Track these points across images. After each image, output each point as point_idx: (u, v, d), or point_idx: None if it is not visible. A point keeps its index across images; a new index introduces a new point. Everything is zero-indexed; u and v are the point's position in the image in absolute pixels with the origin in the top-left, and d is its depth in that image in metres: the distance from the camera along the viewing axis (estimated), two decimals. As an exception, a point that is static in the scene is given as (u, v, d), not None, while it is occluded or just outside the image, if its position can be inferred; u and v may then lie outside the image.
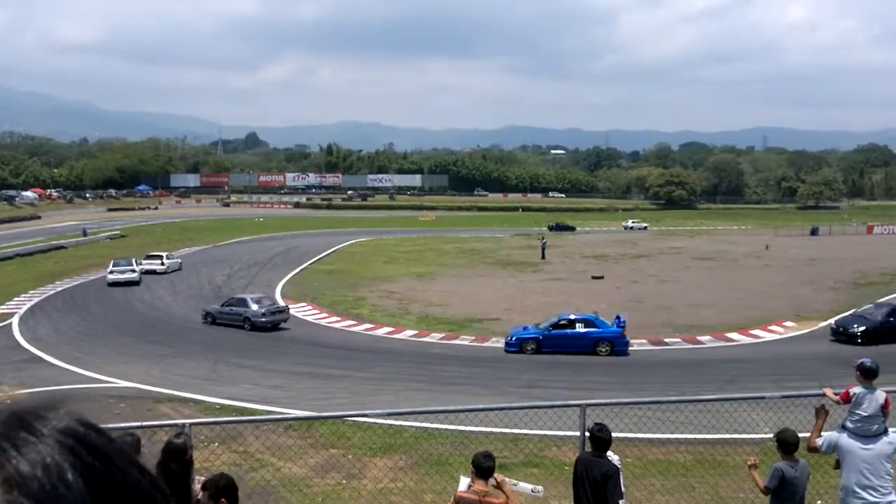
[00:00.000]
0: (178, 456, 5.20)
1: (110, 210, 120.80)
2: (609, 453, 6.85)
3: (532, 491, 6.73)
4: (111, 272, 46.89)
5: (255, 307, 33.79)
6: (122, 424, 7.71)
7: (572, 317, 29.61)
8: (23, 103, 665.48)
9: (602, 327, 28.90)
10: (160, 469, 5.06)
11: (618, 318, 29.18)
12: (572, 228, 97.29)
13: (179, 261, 55.70)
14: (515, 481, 6.71)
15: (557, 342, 28.50)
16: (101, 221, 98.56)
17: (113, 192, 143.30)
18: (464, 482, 6.31)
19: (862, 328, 29.13)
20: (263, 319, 33.29)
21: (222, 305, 35.29)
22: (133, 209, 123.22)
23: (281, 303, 37.96)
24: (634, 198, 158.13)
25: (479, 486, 6.17)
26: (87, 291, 44.65)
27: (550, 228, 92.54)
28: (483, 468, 6.19)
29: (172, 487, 5.13)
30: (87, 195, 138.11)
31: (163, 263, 52.17)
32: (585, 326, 28.84)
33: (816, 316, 35.51)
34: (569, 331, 28.81)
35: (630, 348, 29.04)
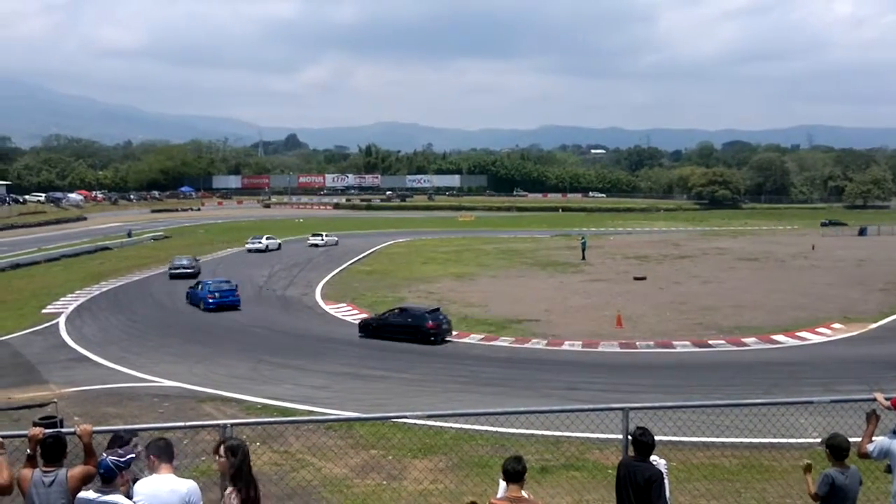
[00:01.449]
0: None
1: (154, 211, 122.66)
2: (654, 458, 6.72)
3: None
4: (249, 242, 68.36)
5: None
6: (166, 424, 7.77)
7: None
8: (69, 106, 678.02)
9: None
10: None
11: None
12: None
13: (336, 239, 74.62)
14: None
15: None
16: (144, 223, 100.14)
17: (156, 193, 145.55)
18: (502, 487, 6.25)
19: None
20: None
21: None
22: (176, 210, 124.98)
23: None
24: (677, 197, 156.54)
25: (513, 491, 6.10)
26: (131, 292, 45.36)
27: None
28: (511, 473, 6.12)
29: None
30: (132, 197, 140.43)
31: (322, 239, 72.43)
32: None
33: (865, 318, 34.75)
34: None
35: (674, 350, 28.83)
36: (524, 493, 6.13)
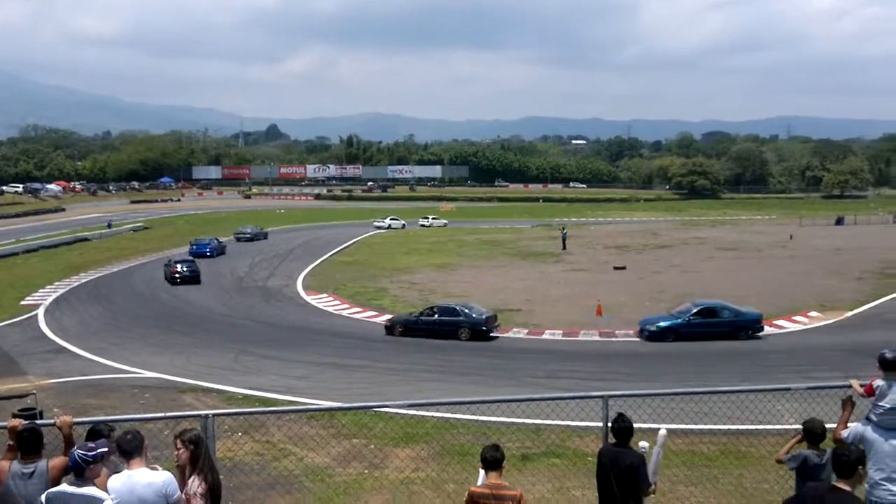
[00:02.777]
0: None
1: (133, 202, 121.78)
2: (643, 444, 6.83)
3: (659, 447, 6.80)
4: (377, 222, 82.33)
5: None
6: (146, 416, 7.76)
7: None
8: (46, 96, 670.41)
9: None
10: None
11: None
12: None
13: (445, 222, 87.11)
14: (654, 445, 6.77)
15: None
16: (124, 213, 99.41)
17: (136, 184, 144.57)
18: (482, 476, 6.29)
19: None
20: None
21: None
22: (156, 201, 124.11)
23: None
24: (657, 188, 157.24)
25: (492, 479, 6.14)
26: (111, 283, 45.10)
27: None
28: (490, 461, 6.14)
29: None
30: (111, 188, 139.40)
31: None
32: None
33: (842, 306, 35.13)
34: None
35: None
36: (503, 481, 6.18)
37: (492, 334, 30.10)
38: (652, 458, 6.86)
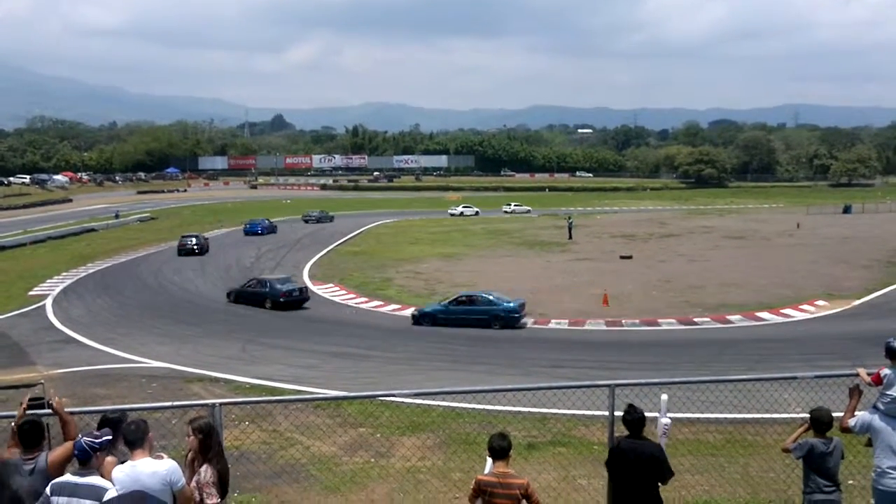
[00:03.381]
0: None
1: (140, 193, 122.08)
2: (663, 420, 6.83)
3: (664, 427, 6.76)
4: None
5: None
6: (154, 405, 7.80)
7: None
8: (52, 88, 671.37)
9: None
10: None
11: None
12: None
13: (529, 209, 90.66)
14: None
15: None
16: (131, 204, 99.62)
17: (142, 175, 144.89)
18: (489, 464, 6.30)
19: None
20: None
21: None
22: (162, 192, 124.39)
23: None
24: (663, 177, 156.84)
25: (499, 467, 6.15)
26: (118, 273, 45.23)
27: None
28: (497, 450, 6.15)
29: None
30: (117, 178, 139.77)
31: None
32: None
33: (849, 295, 35.03)
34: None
35: (659, 328, 29.23)
36: (510, 470, 6.19)
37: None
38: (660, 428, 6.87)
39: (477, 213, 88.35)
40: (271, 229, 66.67)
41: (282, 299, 34.26)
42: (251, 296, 35.27)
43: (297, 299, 34.98)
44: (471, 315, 30.08)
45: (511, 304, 30.19)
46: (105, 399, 18.52)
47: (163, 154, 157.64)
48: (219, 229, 69.68)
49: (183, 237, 54.38)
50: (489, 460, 6.27)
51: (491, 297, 30.78)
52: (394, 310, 34.10)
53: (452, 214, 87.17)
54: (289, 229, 69.03)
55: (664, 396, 6.94)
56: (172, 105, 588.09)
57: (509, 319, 29.62)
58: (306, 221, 76.01)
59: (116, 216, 79.70)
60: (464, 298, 31.07)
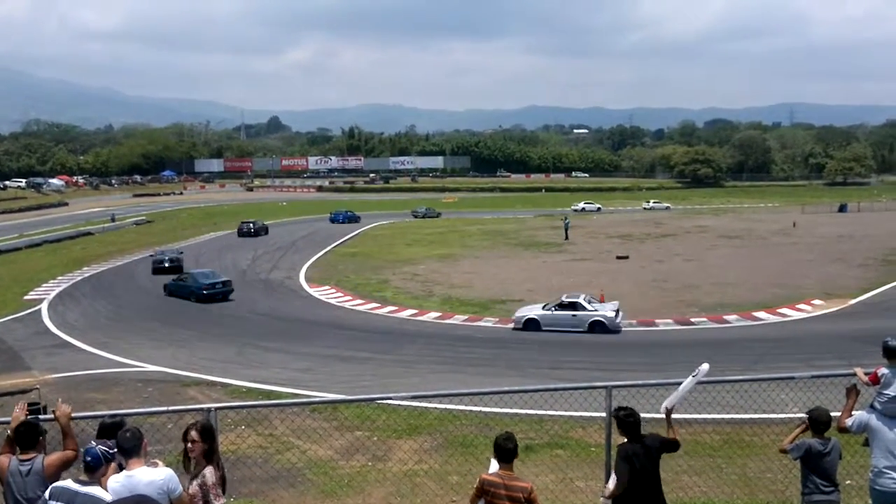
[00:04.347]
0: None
1: (136, 196, 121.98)
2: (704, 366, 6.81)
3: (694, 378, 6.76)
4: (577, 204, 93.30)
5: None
6: (150, 409, 7.76)
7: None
8: (47, 91, 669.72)
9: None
10: None
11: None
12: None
13: (668, 205, 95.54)
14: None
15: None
16: (127, 207, 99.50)
17: (138, 177, 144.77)
18: (493, 465, 6.27)
19: None
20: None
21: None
22: (158, 195, 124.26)
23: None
24: (659, 176, 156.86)
25: (505, 469, 6.12)
26: (114, 277, 45.14)
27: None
28: (504, 451, 6.12)
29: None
30: (113, 181, 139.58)
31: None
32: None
33: (846, 294, 35.06)
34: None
35: (656, 328, 29.38)
36: (514, 472, 6.16)
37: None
38: (683, 386, 6.81)
39: (599, 208, 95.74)
40: (354, 219, 78.10)
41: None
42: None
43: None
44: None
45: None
46: (101, 404, 18.50)
47: (159, 157, 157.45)
48: (212, 232, 69.56)
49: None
50: (493, 461, 6.24)
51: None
52: (390, 312, 34.04)
53: (575, 210, 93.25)
54: (313, 227, 69.02)
55: (705, 366, 6.91)
56: (168, 107, 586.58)
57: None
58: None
59: (112, 219, 79.59)
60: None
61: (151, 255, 49.11)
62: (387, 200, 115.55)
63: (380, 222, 79.32)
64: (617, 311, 29.22)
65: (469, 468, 10.60)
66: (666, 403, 6.84)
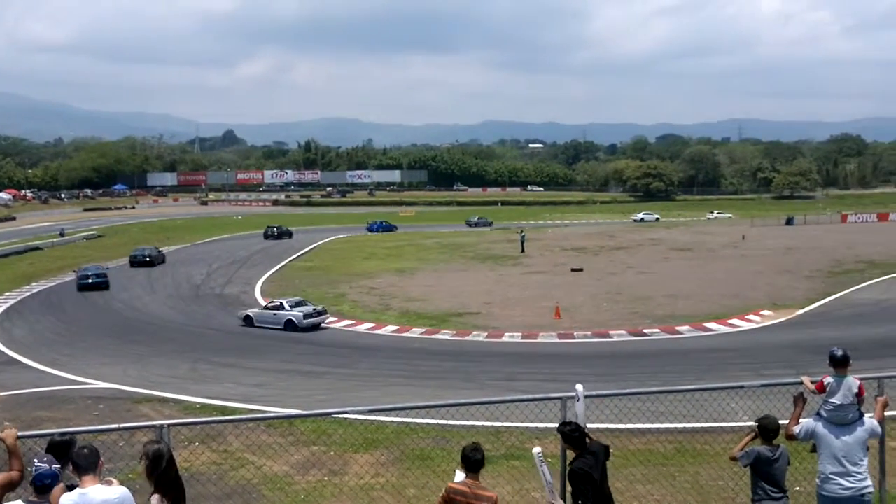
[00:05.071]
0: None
1: (86, 210, 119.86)
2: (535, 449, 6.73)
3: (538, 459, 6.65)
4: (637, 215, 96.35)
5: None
6: (100, 427, 7.64)
7: None
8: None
9: None
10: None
11: None
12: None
13: (731, 215, 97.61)
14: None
15: None
16: (77, 222, 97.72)
17: (89, 191, 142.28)
18: (459, 475, 6.30)
19: None
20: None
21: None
22: (110, 209, 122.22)
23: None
24: (612, 190, 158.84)
25: (471, 479, 6.15)
26: (63, 293, 44.24)
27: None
28: (471, 461, 6.16)
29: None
30: (63, 195, 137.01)
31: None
32: None
33: (793, 304, 35.80)
34: None
35: (610, 339, 29.53)
36: (481, 482, 6.22)
37: None
38: (543, 476, 6.73)
39: (657, 218, 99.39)
40: (389, 228, 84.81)
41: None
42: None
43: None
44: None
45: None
46: (49, 422, 18.09)
47: (110, 170, 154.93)
48: (165, 247, 68.64)
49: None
50: (458, 472, 6.27)
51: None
52: (348, 325, 33.92)
53: (634, 220, 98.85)
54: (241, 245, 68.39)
55: (536, 450, 6.82)
56: (121, 121, 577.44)
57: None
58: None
59: (62, 234, 78.02)
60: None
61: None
62: (344, 214, 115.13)
63: (337, 236, 78.99)
64: (314, 313, 33.19)
65: (426, 481, 10.62)
66: (553, 502, 6.72)
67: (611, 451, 6.82)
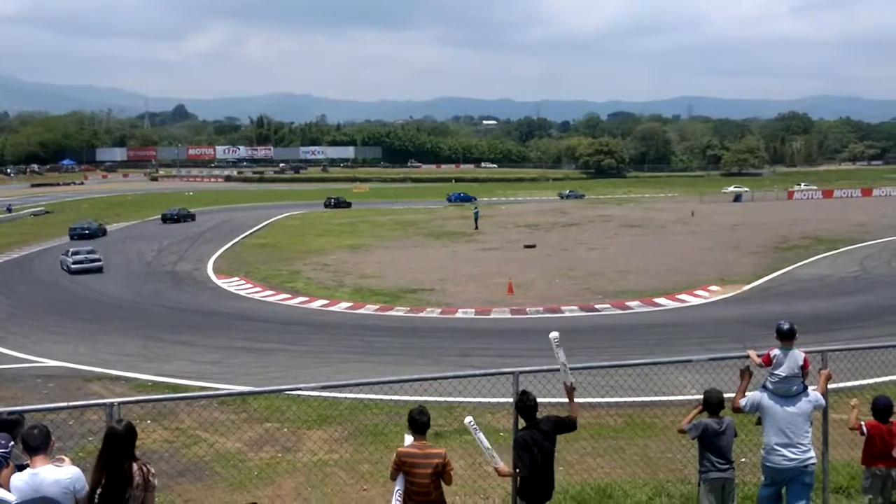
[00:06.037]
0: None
1: (34, 186, 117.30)
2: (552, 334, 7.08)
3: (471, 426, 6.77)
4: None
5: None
6: (49, 406, 7.55)
7: None
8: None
9: None
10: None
11: None
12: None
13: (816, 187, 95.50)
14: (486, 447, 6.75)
15: None
16: (24, 197, 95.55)
17: (36, 167, 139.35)
18: (408, 439, 6.50)
19: None
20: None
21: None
22: (58, 185, 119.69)
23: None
24: (565, 167, 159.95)
25: (419, 440, 6.43)
26: (10, 270, 43.34)
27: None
28: (418, 423, 6.43)
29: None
30: (9, 171, 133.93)
31: None
32: None
33: (740, 280, 36.49)
34: None
35: (562, 315, 29.94)
36: (428, 442, 6.48)
37: None
38: (561, 359, 7.11)
39: (744, 194, 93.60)
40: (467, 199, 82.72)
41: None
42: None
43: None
44: None
45: None
46: (-3, 401, 17.77)
47: (58, 146, 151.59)
48: (116, 223, 67.47)
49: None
50: (408, 436, 6.51)
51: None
52: (301, 302, 33.76)
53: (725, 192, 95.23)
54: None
55: (554, 334, 7.18)
56: (69, 95, 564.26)
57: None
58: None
59: (8, 210, 76.36)
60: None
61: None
62: (297, 191, 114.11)
63: (290, 212, 78.37)
64: (86, 260, 40.82)
65: (380, 457, 10.69)
66: (566, 381, 7.09)
67: (572, 422, 6.98)
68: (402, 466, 6.37)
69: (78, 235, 55.77)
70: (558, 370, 7.22)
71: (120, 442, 5.45)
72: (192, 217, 71.00)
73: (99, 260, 42.68)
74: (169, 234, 58.57)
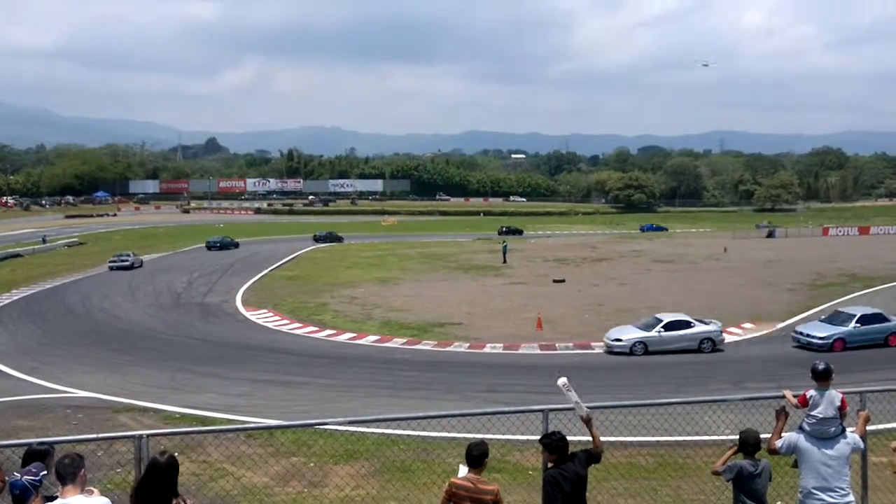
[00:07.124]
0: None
1: (68, 217, 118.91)
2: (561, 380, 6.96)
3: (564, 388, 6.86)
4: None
5: None
6: (78, 437, 7.54)
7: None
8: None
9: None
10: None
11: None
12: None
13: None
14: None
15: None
16: (58, 229, 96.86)
17: (70, 198, 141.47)
18: (462, 470, 6.49)
19: None
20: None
21: None
22: (91, 216, 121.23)
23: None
24: (594, 201, 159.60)
25: (474, 474, 6.34)
26: (44, 300, 43.82)
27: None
28: (475, 456, 6.34)
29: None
30: (44, 202, 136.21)
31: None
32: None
33: (774, 317, 35.98)
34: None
35: (592, 351, 29.56)
36: (483, 478, 6.38)
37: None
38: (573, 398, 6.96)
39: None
40: (230, 245, 73.63)
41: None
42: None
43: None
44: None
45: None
46: (27, 431, 17.90)
47: (92, 178, 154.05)
48: (148, 254, 68.19)
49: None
50: (462, 467, 6.48)
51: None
52: (329, 335, 33.75)
53: None
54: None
55: (562, 380, 7.11)
56: (104, 128, 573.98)
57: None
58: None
59: (43, 241, 77.36)
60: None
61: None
62: (326, 223, 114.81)
63: (319, 245, 78.76)
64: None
65: (407, 493, 10.57)
66: (582, 414, 6.97)
67: (598, 453, 6.85)
68: (453, 498, 6.30)
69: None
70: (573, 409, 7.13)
71: (162, 476, 5.39)
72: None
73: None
74: (199, 267, 59.04)
